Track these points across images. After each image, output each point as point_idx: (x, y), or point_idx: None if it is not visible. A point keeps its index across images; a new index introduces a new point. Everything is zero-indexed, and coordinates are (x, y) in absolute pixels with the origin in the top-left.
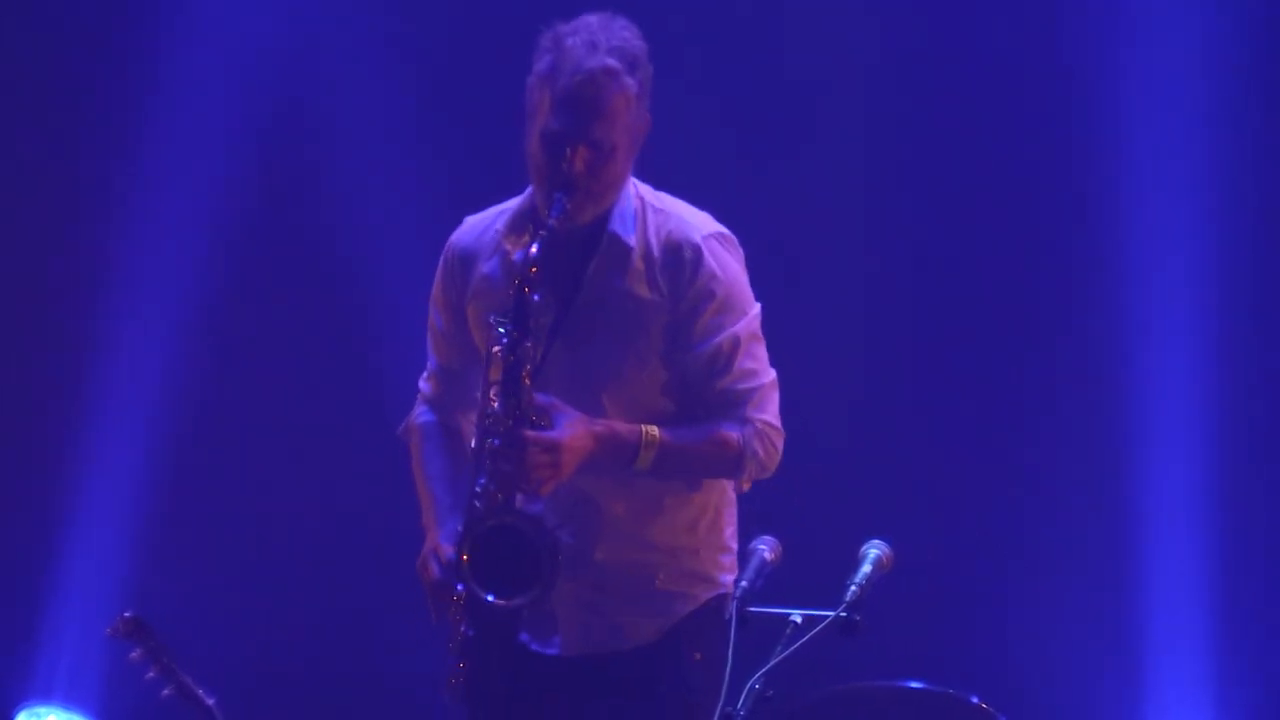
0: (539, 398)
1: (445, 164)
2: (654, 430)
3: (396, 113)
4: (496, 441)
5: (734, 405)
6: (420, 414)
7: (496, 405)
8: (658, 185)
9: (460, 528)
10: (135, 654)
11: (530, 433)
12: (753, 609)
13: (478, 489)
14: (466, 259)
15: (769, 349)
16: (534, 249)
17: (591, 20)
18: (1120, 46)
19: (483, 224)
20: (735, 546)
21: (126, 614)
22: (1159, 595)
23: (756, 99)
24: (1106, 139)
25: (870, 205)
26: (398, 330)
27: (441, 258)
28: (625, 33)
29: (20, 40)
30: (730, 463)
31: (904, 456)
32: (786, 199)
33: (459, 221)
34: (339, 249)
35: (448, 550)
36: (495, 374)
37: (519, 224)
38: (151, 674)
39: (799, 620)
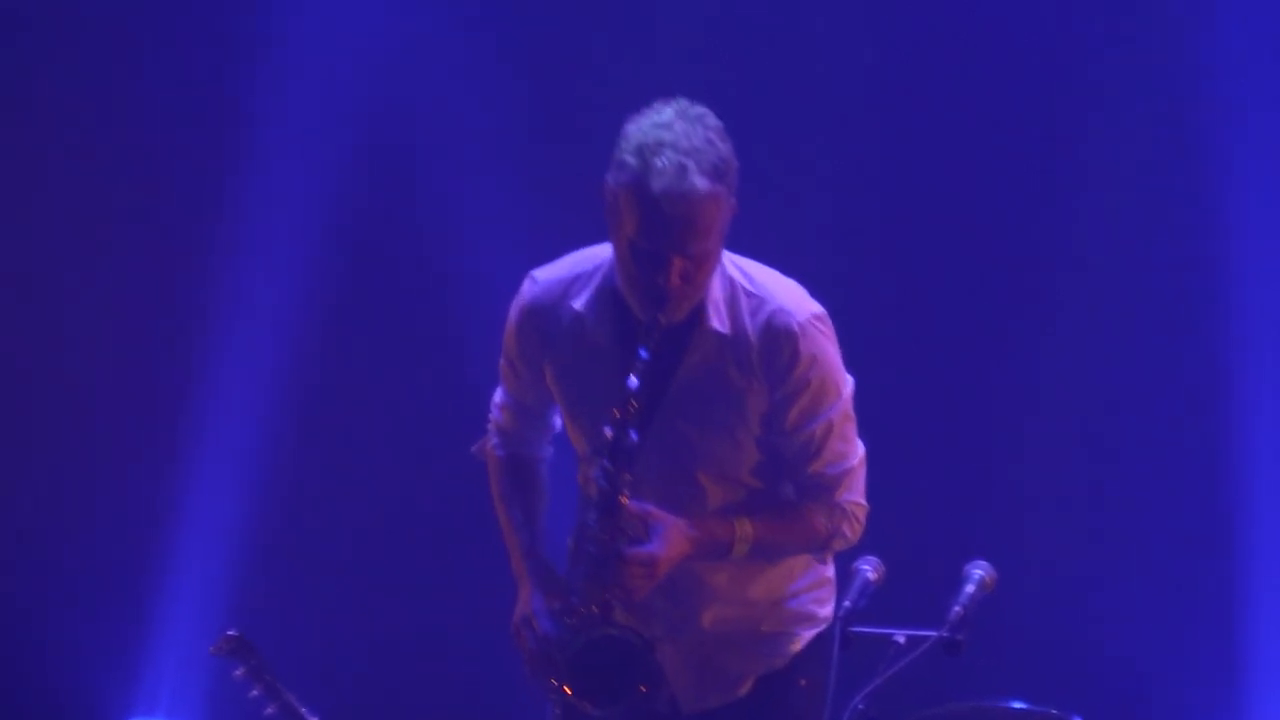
0: (635, 506)
1: (545, 168)
2: (747, 526)
3: (499, 118)
4: (594, 550)
5: (824, 489)
6: (496, 446)
7: (593, 520)
8: None
9: (558, 636)
10: (239, 672)
11: (629, 551)
12: (856, 629)
13: (572, 595)
14: (541, 327)
15: (863, 368)
16: (633, 381)
17: (675, 124)
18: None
19: (558, 290)
20: (832, 575)
21: (230, 632)
22: (1267, 616)
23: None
24: (1208, 134)
25: (964, 208)
26: (499, 343)
27: (515, 313)
28: (711, 135)
29: (131, 44)
30: (819, 544)
31: (1008, 475)
32: (878, 199)
33: (556, 227)
34: (442, 258)
35: (543, 624)
36: (592, 491)
37: (602, 307)
38: (255, 693)
39: (902, 640)
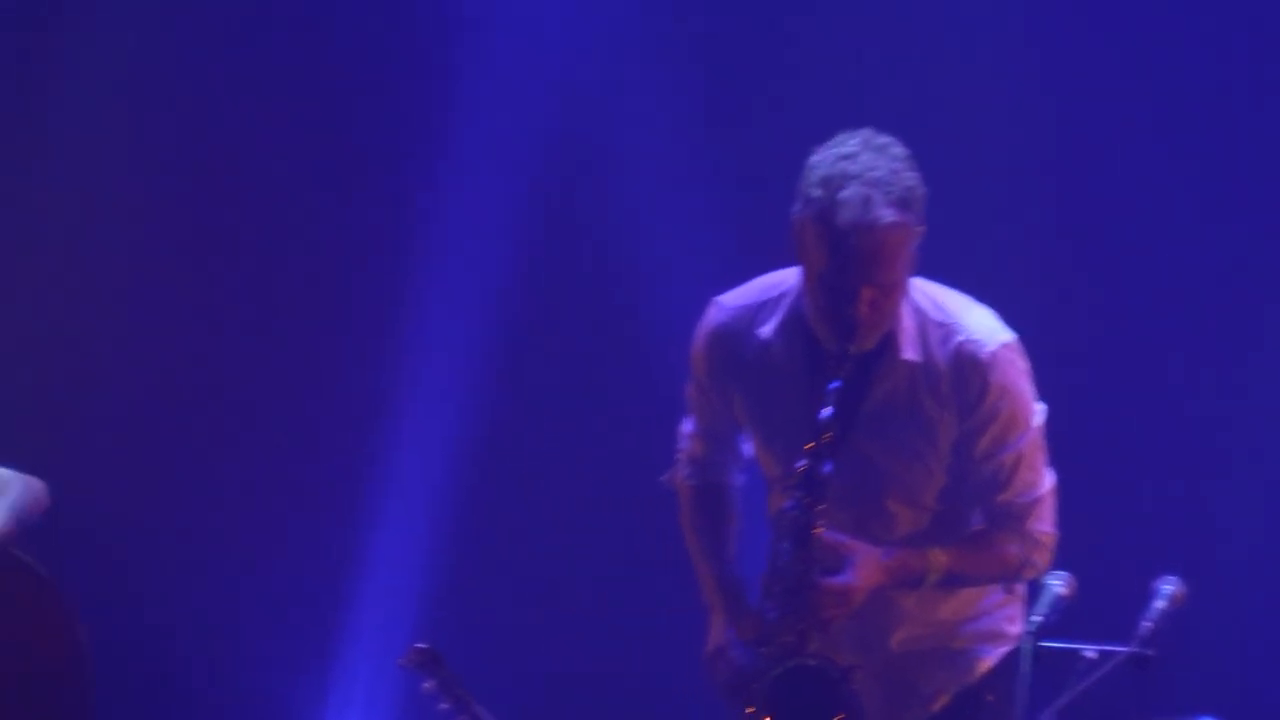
0: (828, 536)
1: (734, 181)
2: (940, 557)
3: (687, 135)
4: (788, 580)
5: (1014, 519)
6: (687, 475)
7: (787, 550)
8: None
9: (753, 667)
10: (428, 685)
11: (824, 581)
12: (1045, 644)
13: (767, 625)
14: (728, 354)
15: (1051, 380)
16: (826, 412)
17: (860, 155)
18: None
19: (745, 316)
20: (1022, 593)
21: (420, 645)
22: None
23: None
24: None
25: (1147, 217)
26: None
27: (701, 340)
28: (896, 164)
29: (322, 39)
30: (1010, 575)
31: (1198, 489)
32: (1063, 207)
33: (746, 239)
34: (631, 270)
35: (737, 656)
36: (786, 523)
37: (790, 335)
38: (445, 706)
39: (1092, 655)
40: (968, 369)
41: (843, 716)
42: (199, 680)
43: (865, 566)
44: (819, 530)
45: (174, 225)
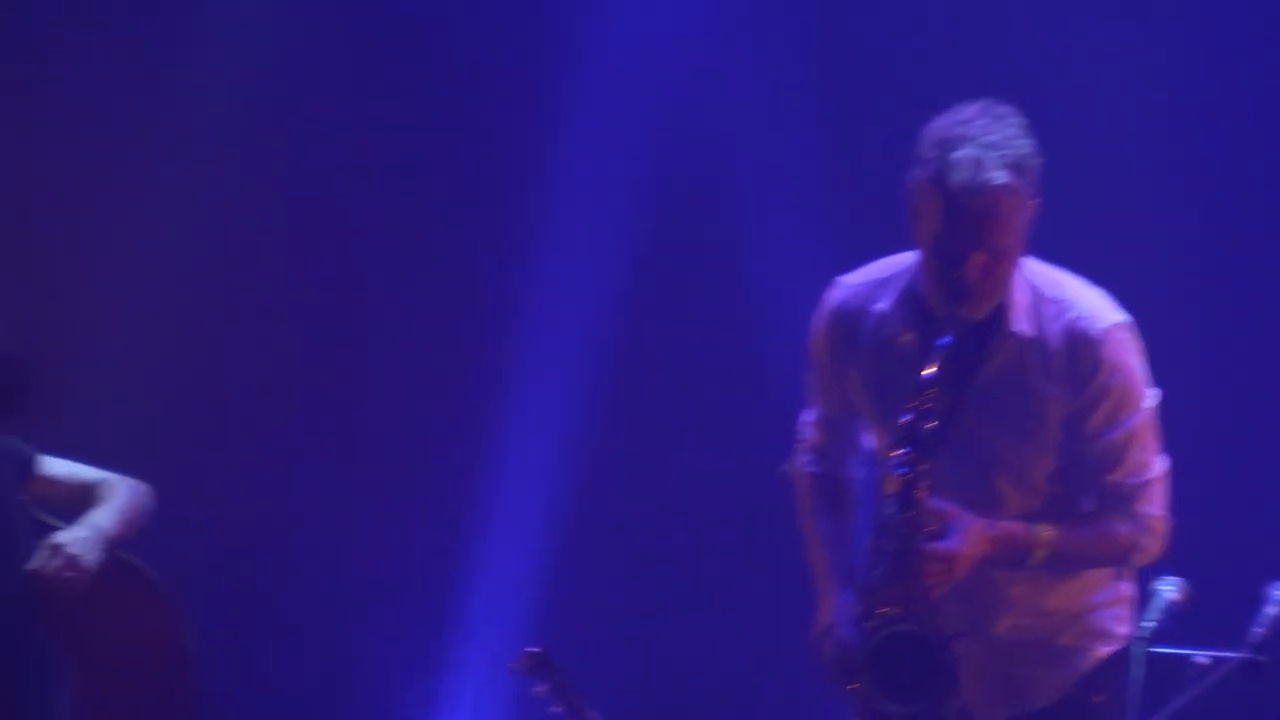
0: (934, 503)
1: (848, 178)
2: (1046, 533)
3: (801, 131)
4: (892, 546)
5: (1124, 500)
6: (807, 463)
7: (892, 514)
8: None
9: (857, 628)
10: (539, 689)
11: (929, 546)
12: (1157, 649)
13: (872, 595)
14: (847, 331)
15: (1170, 378)
16: (932, 370)
17: (975, 120)
18: None
19: (863, 294)
20: (1131, 594)
21: (531, 649)
22: None
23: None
24: None
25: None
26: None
27: (821, 319)
28: (1010, 131)
29: (438, 46)
30: (1119, 558)
31: None
32: (1184, 196)
33: (860, 235)
34: (745, 266)
35: (843, 634)
36: (891, 486)
37: (907, 311)
38: (556, 710)
39: (1204, 662)
40: (1080, 345)
41: (942, 685)
42: (308, 684)
43: (971, 534)
44: (923, 492)
45: (300, 221)
